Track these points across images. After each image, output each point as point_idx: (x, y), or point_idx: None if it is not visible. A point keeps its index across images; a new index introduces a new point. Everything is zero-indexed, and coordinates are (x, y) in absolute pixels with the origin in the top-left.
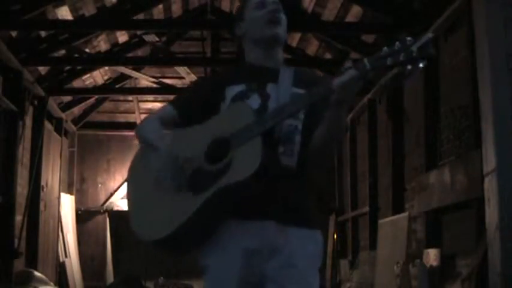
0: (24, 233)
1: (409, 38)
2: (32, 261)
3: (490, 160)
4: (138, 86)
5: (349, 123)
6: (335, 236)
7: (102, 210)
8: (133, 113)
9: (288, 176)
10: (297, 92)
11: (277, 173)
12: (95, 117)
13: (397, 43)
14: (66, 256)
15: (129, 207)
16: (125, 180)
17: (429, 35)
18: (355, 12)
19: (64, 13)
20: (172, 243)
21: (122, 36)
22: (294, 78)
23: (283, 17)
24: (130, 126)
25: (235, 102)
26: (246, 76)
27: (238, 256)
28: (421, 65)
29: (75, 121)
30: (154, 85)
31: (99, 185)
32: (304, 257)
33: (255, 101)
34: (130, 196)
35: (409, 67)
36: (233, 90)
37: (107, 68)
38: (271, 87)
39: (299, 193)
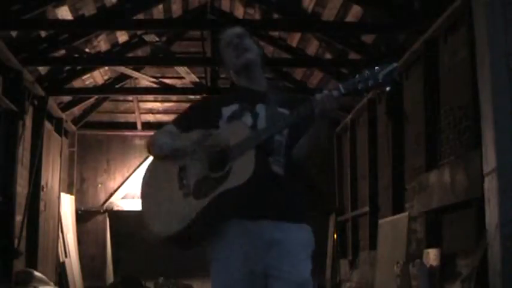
0: (24, 233)
1: (376, 68)
2: (32, 261)
3: (490, 160)
4: (138, 86)
5: (327, 137)
6: (335, 236)
7: (102, 210)
8: (133, 113)
9: (278, 181)
10: (282, 111)
11: (270, 179)
12: (95, 117)
13: (367, 71)
14: (66, 256)
15: (143, 211)
16: (125, 180)
17: (393, 64)
18: (355, 12)
19: (64, 13)
20: (180, 239)
21: (122, 36)
22: (279, 99)
23: (248, 44)
24: (130, 126)
25: (233, 121)
26: (238, 98)
27: (241, 250)
28: (387, 88)
29: (75, 121)
30: (154, 85)
31: (99, 185)
32: (296, 245)
33: (247, 119)
34: (144, 202)
35: (377, 91)
36: (229, 110)
37: (106, 68)
38: (260, 107)
39: (288, 194)
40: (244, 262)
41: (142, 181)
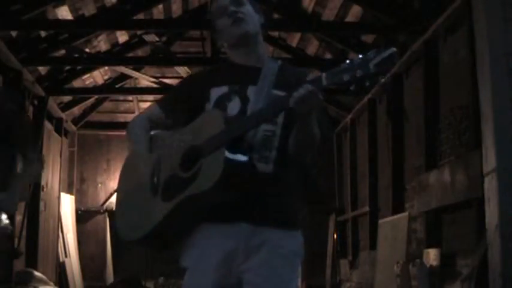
0: (24, 233)
1: (370, 53)
2: (32, 261)
3: (490, 160)
4: (138, 86)
5: (319, 135)
6: (335, 236)
7: (102, 210)
8: (133, 113)
9: (264, 182)
10: (278, 94)
11: (252, 179)
12: (94, 117)
13: (358, 58)
14: (66, 256)
15: (115, 209)
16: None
17: (391, 49)
18: (355, 12)
19: (64, 13)
20: (147, 243)
21: (122, 36)
22: (277, 78)
23: (246, 13)
24: None
25: (209, 110)
26: (229, 77)
27: (214, 258)
28: (381, 80)
29: (75, 121)
30: (154, 85)
31: (99, 185)
32: (280, 257)
33: (236, 104)
34: (116, 198)
35: (367, 83)
36: (217, 92)
37: (106, 68)
38: (252, 89)
39: (276, 197)
40: (217, 271)
41: (120, 174)
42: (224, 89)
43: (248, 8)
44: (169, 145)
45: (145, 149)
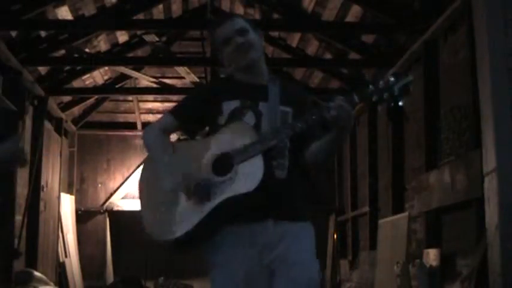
0: (24, 233)
1: (392, 79)
2: (32, 261)
3: (490, 160)
4: (138, 86)
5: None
6: (335, 236)
7: (102, 210)
8: (134, 113)
9: (280, 186)
10: (284, 110)
11: (272, 184)
12: (94, 117)
13: (381, 82)
14: (66, 256)
15: (142, 212)
16: (125, 180)
17: (409, 77)
18: (355, 12)
19: (64, 13)
20: (182, 243)
21: (122, 36)
22: (281, 95)
23: (250, 40)
24: (130, 126)
25: (238, 121)
26: (240, 92)
27: (242, 252)
28: (400, 103)
29: (75, 121)
30: (154, 85)
31: (99, 185)
32: (300, 240)
33: (250, 118)
34: (141, 204)
35: (392, 104)
36: (229, 106)
37: (106, 68)
38: (262, 105)
39: (290, 198)
40: (246, 263)
41: (140, 179)
42: (236, 103)
43: (252, 34)
44: (193, 153)
45: (168, 156)
